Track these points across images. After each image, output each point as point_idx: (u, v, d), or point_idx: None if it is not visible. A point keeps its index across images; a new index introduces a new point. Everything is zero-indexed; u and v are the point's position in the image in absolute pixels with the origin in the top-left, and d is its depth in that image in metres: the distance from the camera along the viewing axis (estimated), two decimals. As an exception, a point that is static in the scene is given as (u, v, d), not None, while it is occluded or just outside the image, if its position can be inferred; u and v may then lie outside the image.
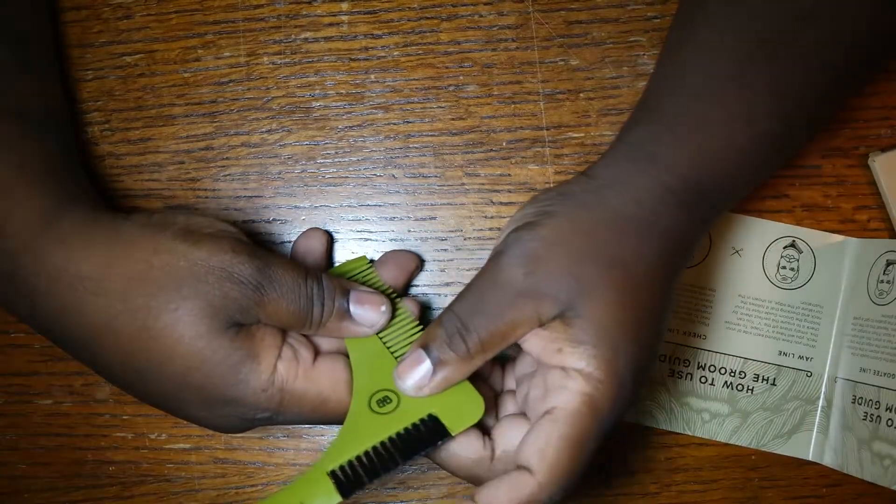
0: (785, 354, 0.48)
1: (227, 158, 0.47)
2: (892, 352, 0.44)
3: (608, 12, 0.47)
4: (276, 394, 0.38)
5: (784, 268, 0.48)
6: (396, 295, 0.43)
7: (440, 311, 0.38)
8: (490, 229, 0.47)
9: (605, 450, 0.48)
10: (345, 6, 0.47)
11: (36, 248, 0.37)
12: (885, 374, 0.44)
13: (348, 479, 0.36)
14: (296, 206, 0.47)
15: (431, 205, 0.47)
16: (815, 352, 0.48)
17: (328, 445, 0.47)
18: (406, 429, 0.37)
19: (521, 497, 0.36)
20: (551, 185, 0.46)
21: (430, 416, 0.38)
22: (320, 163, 0.47)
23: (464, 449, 0.38)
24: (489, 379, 0.42)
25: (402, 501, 0.48)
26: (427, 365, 0.37)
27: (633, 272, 0.37)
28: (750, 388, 0.48)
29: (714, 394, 0.48)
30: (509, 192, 0.47)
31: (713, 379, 0.48)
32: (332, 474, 0.37)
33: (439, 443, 0.37)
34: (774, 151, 0.41)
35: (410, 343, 0.40)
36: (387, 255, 0.46)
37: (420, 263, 0.47)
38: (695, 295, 0.48)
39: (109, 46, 0.47)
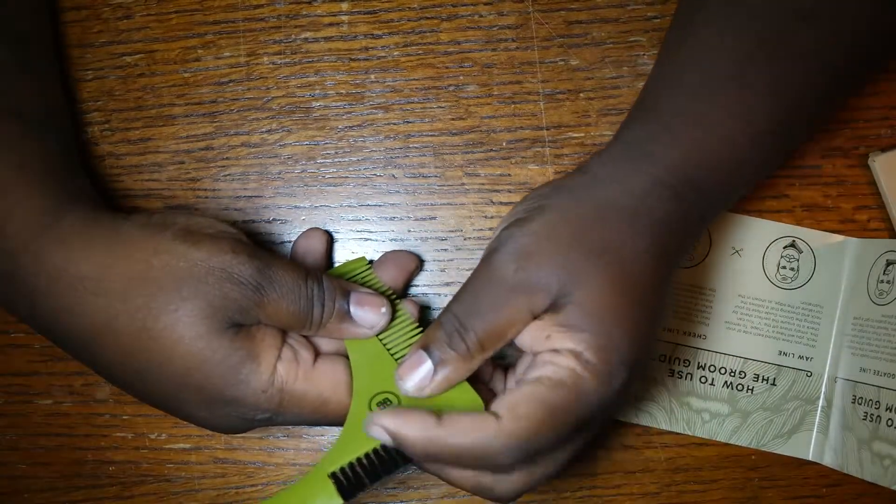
0: (785, 354, 0.48)
1: (227, 158, 0.47)
2: (892, 352, 0.44)
3: (608, 12, 0.47)
4: (276, 394, 0.38)
5: (784, 268, 0.48)
6: (396, 296, 0.43)
7: (440, 312, 0.38)
8: (490, 229, 0.47)
9: (605, 449, 0.48)
10: (345, 6, 0.47)
11: (36, 248, 0.37)
12: (885, 374, 0.44)
13: (349, 481, 0.37)
14: (296, 206, 0.47)
15: (431, 205, 0.47)
16: (815, 352, 0.48)
17: (328, 446, 0.47)
18: None
19: (479, 436, 0.35)
20: (551, 185, 0.46)
21: None
22: (320, 163, 0.47)
23: None
24: (490, 382, 0.42)
25: (402, 501, 0.48)
26: (428, 366, 0.37)
27: (624, 261, 0.36)
28: (750, 388, 0.48)
29: (714, 394, 0.48)
30: (509, 192, 0.47)
31: (713, 379, 0.48)
32: (333, 476, 0.37)
33: None
34: (773, 151, 0.40)
35: (410, 344, 0.40)
36: (386, 256, 0.46)
37: (419, 263, 0.47)
38: (695, 295, 0.48)
39: (109, 46, 0.47)
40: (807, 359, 0.48)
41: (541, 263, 0.36)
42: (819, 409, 0.48)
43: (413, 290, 0.47)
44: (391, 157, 0.47)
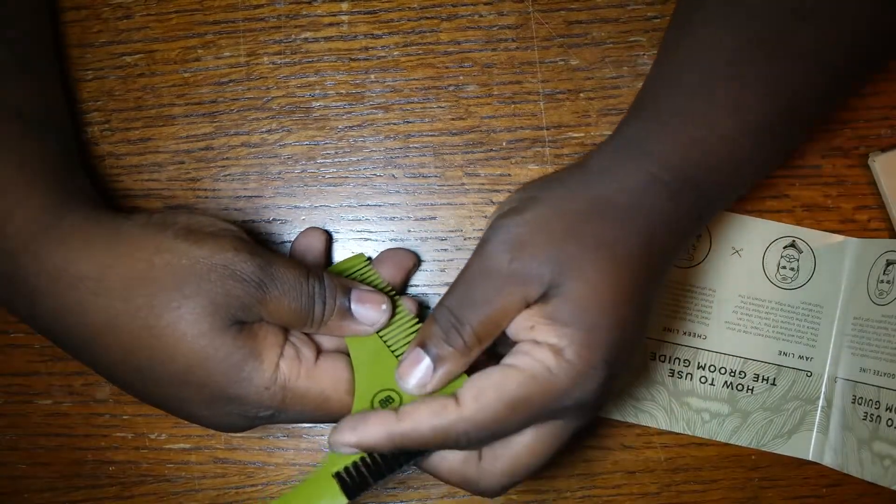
0: (785, 354, 0.48)
1: (227, 158, 0.47)
2: (892, 352, 0.44)
3: (608, 12, 0.47)
4: (279, 392, 0.38)
5: (784, 268, 0.48)
6: (395, 293, 0.43)
7: (435, 305, 0.38)
8: (490, 229, 0.47)
9: (605, 449, 0.48)
10: (345, 6, 0.47)
11: (36, 247, 0.37)
12: (885, 374, 0.44)
13: (353, 481, 0.37)
14: (296, 206, 0.47)
15: (431, 205, 0.47)
16: (815, 352, 0.48)
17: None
18: None
19: (438, 422, 0.36)
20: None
21: None
22: (320, 163, 0.47)
23: (451, 451, 0.38)
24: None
25: (402, 501, 0.48)
26: (427, 363, 0.37)
27: (617, 257, 0.36)
28: (750, 388, 0.48)
29: (714, 394, 0.48)
30: (509, 192, 0.47)
31: (713, 379, 0.48)
32: (338, 476, 0.37)
33: None
34: (773, 150, 0.40)
35: (410, 341, 0.40)
36: (384, 254, 0.46)
37: (417, 261, 0.47)
38: (695, 295, 0.48)
39: (109, 46, 0.47)
40: (807, 359, 0.48)
41: (535, 254, 0.36)
42: (819, 409, 0.48)
43: (413, 290, 0.47)
44: (391, 157, 0.47)
